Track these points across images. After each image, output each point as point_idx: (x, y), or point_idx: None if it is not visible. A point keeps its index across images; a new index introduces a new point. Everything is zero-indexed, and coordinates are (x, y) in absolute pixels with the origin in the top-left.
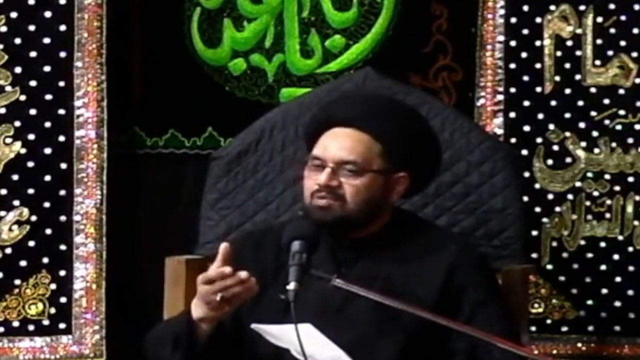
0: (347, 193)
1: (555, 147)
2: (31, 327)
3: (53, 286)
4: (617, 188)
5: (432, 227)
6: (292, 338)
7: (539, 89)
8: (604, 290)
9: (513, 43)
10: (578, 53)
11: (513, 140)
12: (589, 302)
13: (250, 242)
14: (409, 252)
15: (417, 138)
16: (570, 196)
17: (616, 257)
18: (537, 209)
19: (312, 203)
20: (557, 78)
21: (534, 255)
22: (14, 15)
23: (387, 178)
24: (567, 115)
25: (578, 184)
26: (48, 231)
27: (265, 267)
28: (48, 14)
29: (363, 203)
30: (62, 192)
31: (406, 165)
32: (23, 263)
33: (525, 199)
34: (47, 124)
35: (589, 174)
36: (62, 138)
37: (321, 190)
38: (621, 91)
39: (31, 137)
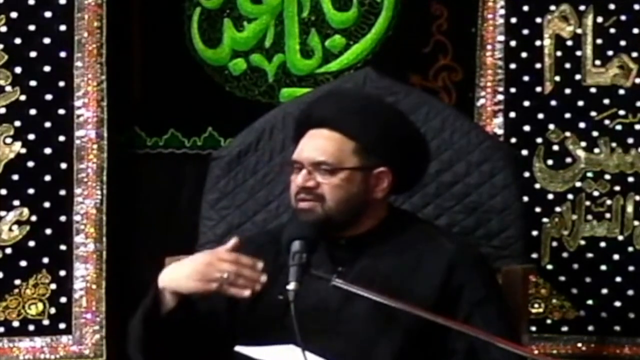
0: (325, 192)
1: (555, 147)
2: (31, 327)
3: (53, 286)
4: (617, 188)
5: (430, 226)
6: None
7: (539, 89)
8: (604, 290)
9: (513, 43)
10: (578, 53)
11: (513, 140)
12: (589, 302)
13: (249, 247)
14: (407, 251)
15: (391, 132)
16: (570, 196)
17: (616, 257)
18: (537, 209)
19: (296, 206)
20: (557, 78)
21: (534, 255)
22: (14, 15)
23: (366, 174)
24: (567, 115)
25: (578, 184)
26: (48, 231)
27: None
28: (48, 14)
29: (342, 201)
30: (62, 192)
31: (385, 159)
32: (23, 263)
33: (525, 199)
34: (47, 124)
35: (589, 174)
36: (62, 138)
37: (300, 192)
38: (621, 91)
39: (31, 137)
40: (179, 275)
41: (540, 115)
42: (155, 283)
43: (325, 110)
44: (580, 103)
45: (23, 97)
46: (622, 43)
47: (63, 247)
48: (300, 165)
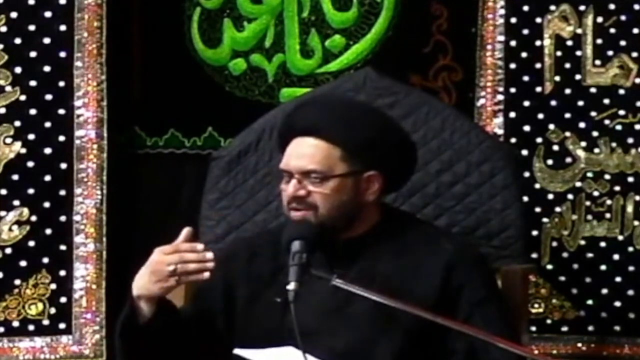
0: (317, 201)
1: (555, 147)
2: (31, 327)
3: (53, 286)
4: (617, 188)
5: (430, 226)
6: None
7: (539, 89)
8: (604, 290)
9: (513, 43)
10: (578, 53)
11: (513, 140)
12: (589, 302)
13: (244, 250)
14: (406, 251)
15: (376, 135)
16: (570, 196)
17: (616, 257)
18: (537, 209)
19: (289, 215)
20: (557, 78)
21: (534, 255)
22: (14, 15)
23: (356, 179)
24: (567, 115)
25: (578, 184)
26: (48, 231)
27: (261, 272)
28: (48, 14)
29: (335, 208)
30: (62, 192)
31: (373, 163)
32: (23, 263)
33: (525, 199)
34: (47, 124)
35: (589, 174)
36: (62, 138)
37: (292, 202)
38: (621, 91)
39: (31, 137)
40: (143, 281)
41: (540, 115)
42: (130, 293)
43: (309, 119)
44: (580, 103)
45: (23, 97)
46: (622, 43)
47: (63, 247)
48: (290, 174)
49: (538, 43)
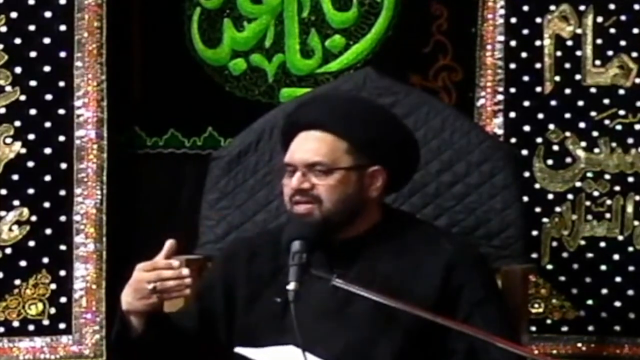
0: (321, 194)
1: (555, 147)
2: (31, 327)
3: (53, 286)
4: (617, 188)
5: (430, 226)
6: None
7: (539, 89)
8: (604, 290)
9: (513, 43)
10: (578, 53)
11: (513, 140)
12: (589, 302)
13: (244, 250)
14: (406, 251)
15: (382, 130)
16: (570, 196)
17: (616, 257)
18: (537, 209)
19: (292, 210)
20: (557, 78)
21: (534, 255)
22: (14, 15)
23: (361, 174)
24: (567, 115)
25: (578, 184)
26: (48, 231)
27: (261, 272)
28: (48, 14)
29: (339, 201)
30: (62, 192)
31: (378, 158)
32: (23, 263)
33: (525, 199)
34: (47, 124)
35: (589, 174)
36: (62, 138)
37: (295, 195)
38: (621, 91)
39: (31, 137)
40: (128, 297)
41: (540, 115)
42: (120, 306)
43: (315, 113)
44: (580, 103)
45: (23, 97)
46: (622, 43)
47: (63, 247)
48: (294, 167)
49: (538, 43)
